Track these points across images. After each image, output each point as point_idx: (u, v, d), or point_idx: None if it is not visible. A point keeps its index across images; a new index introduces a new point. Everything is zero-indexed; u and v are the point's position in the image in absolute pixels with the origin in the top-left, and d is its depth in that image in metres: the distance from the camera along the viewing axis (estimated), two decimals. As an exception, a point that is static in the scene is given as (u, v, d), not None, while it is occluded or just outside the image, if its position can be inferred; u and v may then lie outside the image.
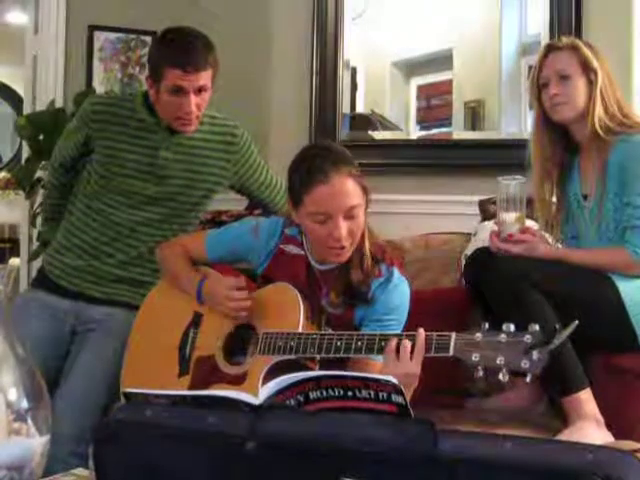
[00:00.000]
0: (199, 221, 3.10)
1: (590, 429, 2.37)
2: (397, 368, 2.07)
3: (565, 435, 2.36)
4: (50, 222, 3.23)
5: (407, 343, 2.08)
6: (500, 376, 1.95)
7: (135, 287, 2.93)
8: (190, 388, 2.42)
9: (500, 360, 1.95)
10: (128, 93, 3.15)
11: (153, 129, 2.90)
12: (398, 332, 2.27)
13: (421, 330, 2.10)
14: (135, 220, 2.92)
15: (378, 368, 2.22)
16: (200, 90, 2.75)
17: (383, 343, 2.14)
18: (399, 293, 2.40)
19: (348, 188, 2.30)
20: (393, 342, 2.10)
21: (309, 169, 2.32)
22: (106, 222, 2.93)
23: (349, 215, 2.30)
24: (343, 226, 2.29)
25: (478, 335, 1.99)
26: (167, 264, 2.73)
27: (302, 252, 2.48)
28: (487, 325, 2.00)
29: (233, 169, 2.98)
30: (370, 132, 4.07)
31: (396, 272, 2.42)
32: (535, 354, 1.91)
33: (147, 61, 2.91)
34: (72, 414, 2.66)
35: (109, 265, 2.93)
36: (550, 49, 2.76)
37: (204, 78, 2.74)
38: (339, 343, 2.19)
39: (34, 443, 1.41)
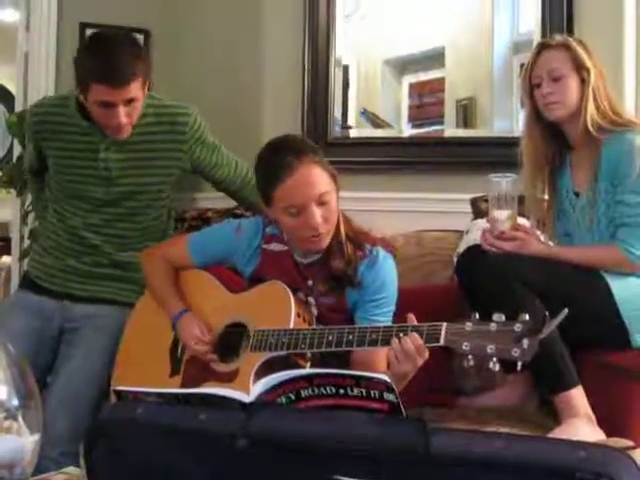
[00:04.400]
0: (170, 210, 3.10)
1: (582, 426, 2.37)
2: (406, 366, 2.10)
3: (557, 432, 2.36)
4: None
5: (408, 340, 2.08)
6: (490, 365, 1.96)
7: (118, 282, 2.93)
8: (181, 387, 2.42)
9: (490, 349, 1.95)
10: (63, 96, 3.06)
11: (89, 132, 2.85)
12: (389, 324, 2.30)
13: (411, 315, 2.13)
14: (93, 223, 2.92)
15: (381, 355, 2.26)
16: (129, 101, 2.68)
17: (374, 335, 2.15)
18: (386, 270, 2.44)
19: (315, 176, 2.32)
20: (396, 343, 2.11)
21: (273, 166, 2.34)
22: (66, 227, 2.95)
23: (321, 202, 2.31)
24: (317, 214, 2.31)
25: (468, 324, 2.00)
26: (151, 279, 2.72)
27: (285, 248, 2.49)
28: (477, 315, 2.00)
29: (185, 157, 2.93)
30: (361, 130, 4.06)
31: (380, 250, 2.45)
32: (525, 342, 1.92)
33: (74, 67, 2.75)
34: (64, 413, 2.66)
35: (86, 264, 2.94)
36: (543, 47, 2.75)
37: (133, 90, 2.66)
38: (330, 337, 2.20)
39: (25, 441, 1.41)
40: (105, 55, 2.63)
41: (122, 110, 2.66)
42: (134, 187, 2.89)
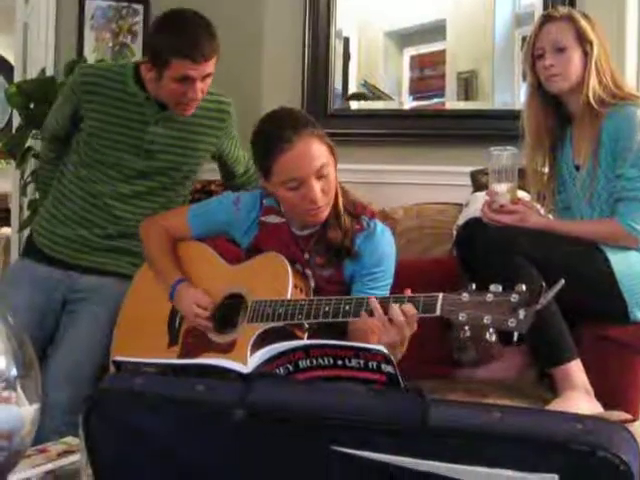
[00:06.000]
0: (189, 191, 3.12)
1: (580, 399, 2.38)
2: (390, 335, 2.07)
3: (555, 405, 2.37)
4: (44, 194, 3.21)
5: (401, 309, 2.07)
6: (487, 335, 1.96)
7: (125, 256, 2.94)
8: (179, 358, 2.43)
9: (487, 319, 1.95)
10: (119, 64, 3.12)
11: (143, 103, 2.88)
12: (386, 295, 2.29)
13: (408, 291, 2.12)
14: (121, 192, 2.92)
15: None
16: (205, 77, 2.75)
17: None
18: (384, 242, 2.44)
19: (313, 149, 2.32)
20: (378, 311, 2.10)
21: (271, 139, 2.34)
22: (93, 193, 2.93)
23: (320, 175, 2.32)
24: (317, 187, 2.31)
25: (465, 295, 2.00)
26: (149, 248, 2.73)
27: (283, 220, 2.49)
28: (474, 286, 2.00)
29: (219, 143, 3.00)
30: (363, 102, 4.05)
31: (378, 223, 2.45)
32: (522, 313, 1.91)
33: (148, 44, 2.87)
34: (65, 383, 2.67)
35: (97, 236, 2.93)
36: (546, 19, 2.74)
37: (211, 66, 2.74)
38: (327, 308, 2.20)
39: (24, 411, 1.42)
40: (187, 32, 2.70)
41: (199, 85, 2.73)
42: (171, 164, 2.93)
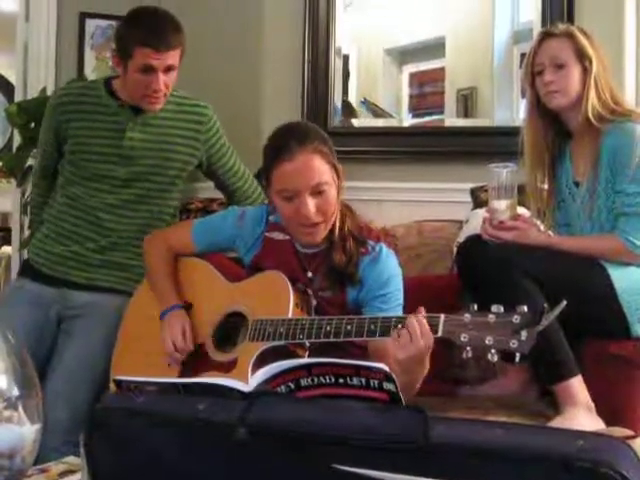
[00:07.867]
0: (179, 203, 3.14)
1: (581, 416, 2.38)
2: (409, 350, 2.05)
3: (556, 422, 2.36)
4: (39, 219, 3.22)
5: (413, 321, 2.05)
6: (489, 356, 1.95)
7: (119, 271, 2.96)
8: (180, 376, 2.42)
9: (489, 340, 1.94)
10: (90, 81, 3.19)
11: (118, 112, 2.93)
12: (387, 315, 2.26)
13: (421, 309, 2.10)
14: (110, 203, 2.95)
15: None
16: (168, 69, 2.80)
17: (372, 326, 2.14)
18: (388, 266, 2.42)
19: (313, 164, 2.31)
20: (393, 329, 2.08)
21: (276, 147, 2.35)
22: (83, 208, 2.96)
23: (316, 192, 2.31)
24: (310, 203, 2.30)
25: (467, 316, 1.99)
26: (149, 265, 2.73)
27: (287, 237, 2.48)
28: (476, 306, 1.99)
29: (203, 148, 3.01)
30: (361, 119, 4.06)
31: (383, 247, 2.43)
32: (524, 334, 1.91)
33: (115, 39, 2.94)
34: (64, 403, 2.67)
35: (90, 250, 2.95)
36: (545, 36, 2.75)
37: (173, 57, 2.79)
38: (328, 328, 2.19)
39: (25, 431, 1.41)
40: (150, 22, 2.80)
41: (161, 77, 2.78)
42: (153, 168, 2.95)
